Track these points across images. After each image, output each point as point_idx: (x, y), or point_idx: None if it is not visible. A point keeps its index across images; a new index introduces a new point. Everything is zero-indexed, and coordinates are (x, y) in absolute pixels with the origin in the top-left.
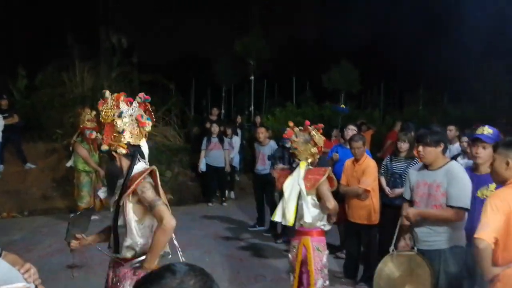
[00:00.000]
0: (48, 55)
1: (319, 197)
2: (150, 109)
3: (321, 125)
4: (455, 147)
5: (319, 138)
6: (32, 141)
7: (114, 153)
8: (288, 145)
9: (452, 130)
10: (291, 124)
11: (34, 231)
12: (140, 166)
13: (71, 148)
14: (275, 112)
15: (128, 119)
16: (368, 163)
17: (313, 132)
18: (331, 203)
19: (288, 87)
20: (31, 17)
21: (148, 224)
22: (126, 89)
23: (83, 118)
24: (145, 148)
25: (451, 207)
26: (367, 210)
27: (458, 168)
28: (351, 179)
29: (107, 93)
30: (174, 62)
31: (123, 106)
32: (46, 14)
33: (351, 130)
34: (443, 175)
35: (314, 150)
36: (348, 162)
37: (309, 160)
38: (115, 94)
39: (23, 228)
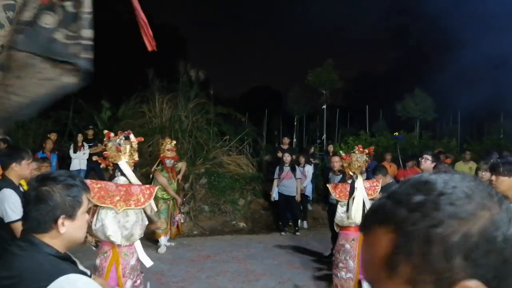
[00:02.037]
0: (130, 89)
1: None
2: (131, 138)
3: (372, 148)
4: None
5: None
6: (112, 175)
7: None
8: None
9: None
10: (360, 147)
11: None
12: (122, 179)
13: (151, 176)
14: (348, 141)
15: (112, 147)
16: None
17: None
18: None
19: (361, 116)
20: (115, 55)
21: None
22: (202, 119)
23: (164, 147)
24: (123, 166)
25: None
26: None
27: None
28: None
29: (105, 131)
30: (247, 92)
31: (112, 138)
32: (128, 52)
33: (424, 159)
34: None
35: (365, 166)
36: None
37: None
38: (106, 131)
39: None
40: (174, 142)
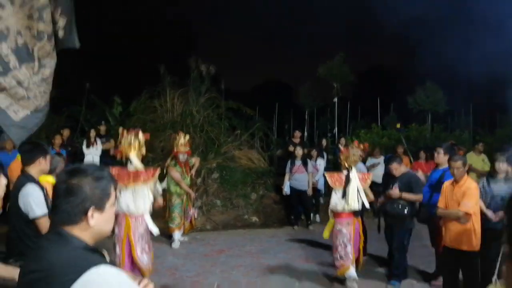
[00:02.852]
0: (141, 85)
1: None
2: (139, 136)
3: (367, 144)
4: None
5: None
6: (125, 165)
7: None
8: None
9: None
10: (356, 142)
11: None
12: (131, 167)
13: (164, 171)
14: (360, 134)
15: (125, 142)
16: (469, 185)
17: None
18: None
19: (372, 109)
20: (126, 52)
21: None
22: (213, 114)
23: (177, 142)
24: (132, 157)
25: None
26: (467, 235)
27: None
28: (450, 201)
29: (120, 128)
30: (258, 86)
31: (125, 135)
32: (140, 48)
33: (437, 152)
34: None
35: (359, 159)
36: (447, 184)
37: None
38: (121, 129)
39: (109, 249)
40: (188, 136)
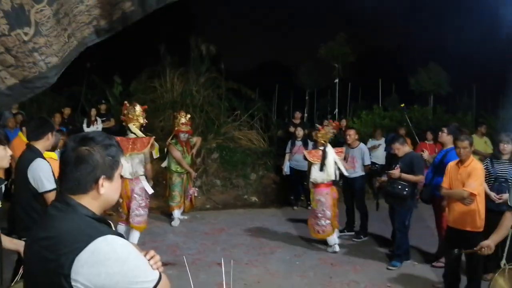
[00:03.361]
0: (141, 64)
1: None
2: (136, 107)
3: (337, 123)
4: None
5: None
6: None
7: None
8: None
9: None
10: (330, 121)
11: None
12: (131, 135)
13: (165, 150)
14: (362, 115)
15: (127, 114)
16: (475, 165)
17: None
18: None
19: (373, 90)
20: (126, 30)
21: None
22: (213, 94)
23: (178, 121)
24: (132, 127)
25: None
26: (471, 216)
27: None
28: (454, 181)
29: (126, 102)
30: (258, 67)
31: (128, 108)
32: (140, 27)
33: (441, 132)
34: None
35: (332, 136)
36: (451, 164)
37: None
38: (126, 102)
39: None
40: (189, 116)
